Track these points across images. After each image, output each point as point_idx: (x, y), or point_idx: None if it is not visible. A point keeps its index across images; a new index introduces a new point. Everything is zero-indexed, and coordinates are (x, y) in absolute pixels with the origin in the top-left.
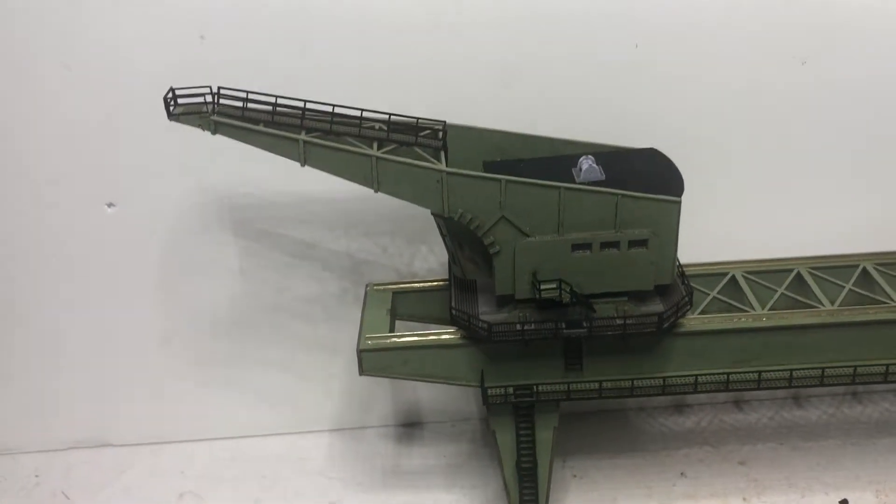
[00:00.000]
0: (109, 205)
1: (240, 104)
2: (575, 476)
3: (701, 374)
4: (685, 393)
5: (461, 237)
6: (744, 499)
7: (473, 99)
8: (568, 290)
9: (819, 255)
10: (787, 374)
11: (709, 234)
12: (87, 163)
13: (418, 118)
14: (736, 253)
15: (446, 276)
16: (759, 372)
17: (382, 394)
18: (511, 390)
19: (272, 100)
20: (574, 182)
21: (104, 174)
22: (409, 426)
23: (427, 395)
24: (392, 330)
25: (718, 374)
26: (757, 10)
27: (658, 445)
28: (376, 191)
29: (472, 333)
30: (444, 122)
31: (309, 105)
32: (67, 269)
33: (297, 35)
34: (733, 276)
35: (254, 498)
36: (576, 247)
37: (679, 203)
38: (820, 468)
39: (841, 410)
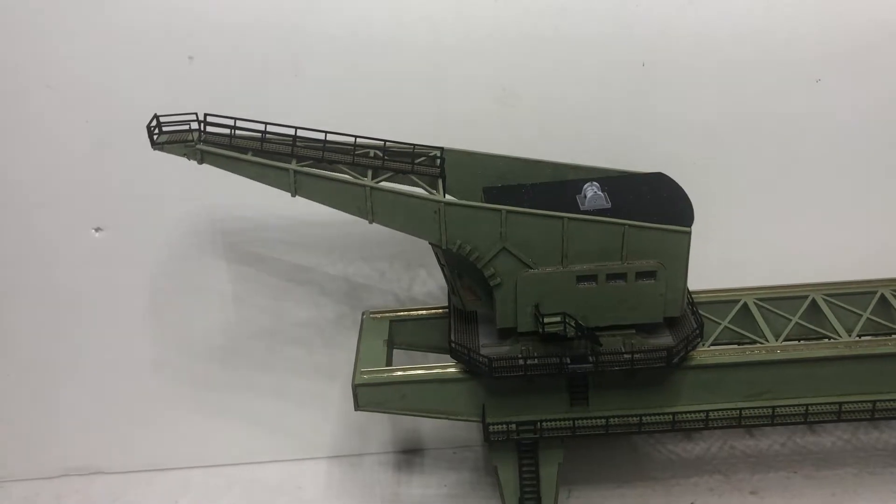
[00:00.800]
0: (97, 229)
1: (227, 132)
2: None
3: (712, 410)
4: (696, 429)
5: (460, 267)
6: None
7: (473, 122)
8: (573, 323)
9: (834, 282)
10: (802, 409)
11: (720, 259)
12: (74, 187)
13: (415, 144)
14: (748, 279)
15: (446, 303)
16: (773, 407)
17: (381, 420)
18: (514, 426)
19: (261, 127)
20: (578, 210)
21: (91, 198)
22: (409, 453)
23: (428, 421)
24: (389, 361)
25: (730, 409)
26: (769, 26)
27: (667, 474)
28: (371, 222)
29: (473, 368)
30: (442, 148)
31: (300, 132)
32: (56, 294)
33: (289, 56)
34: (745, 304)
35: None
36: (581, 278)
37: (689, 233)
38: (835, 499)
39: (857, 437)
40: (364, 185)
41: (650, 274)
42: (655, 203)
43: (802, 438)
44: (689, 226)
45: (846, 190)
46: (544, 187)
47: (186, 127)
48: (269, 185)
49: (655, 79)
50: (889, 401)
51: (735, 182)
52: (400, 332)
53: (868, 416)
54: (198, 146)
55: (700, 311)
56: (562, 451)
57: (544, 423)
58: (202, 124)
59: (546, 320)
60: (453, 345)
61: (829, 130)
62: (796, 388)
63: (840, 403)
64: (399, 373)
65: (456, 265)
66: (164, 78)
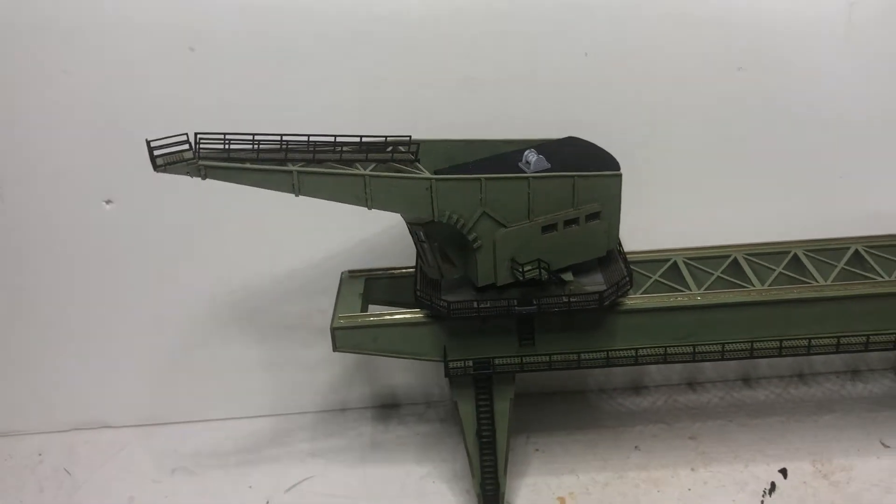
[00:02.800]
0: (108, 201)
1: (220, 146)
2: (537, 450)
3: (641, 348)
4: (626, 365)
5: (440, 240)
6: (692, 469)
7: (430, 109)
8: (546, 267)
9: (754, 243)
10: (719, 348)
11: (655, 225)
12: (87, 163)
13: (387, 136)
14: (679, 242)
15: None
16: (694, 345)
17: (361, 378)
18: (471, 363)
19: (250, 137)
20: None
21: (102, 173)
22: (386, 407)
23: (402, 378)
24: (364, 311)
25: (657, 347)
26: (698, 19)
27: (615, 423)
28: (370, 208)
29: (435, 312)
30: (410, 136)
31: (286, 137)
32: (68, 261)
33: (274, 48)
34: (675, 262)
35: (242, 471)
36: (545, 229)
37: (621, 175)
38: (764, 442)
39: (787, 391)
40: (363, 175)
41: (596, 215)
42: (583, 158)
43: (739, 392)
44: (619, 170)
45: (765, 166)
46: (485, 162)
47: (184, 147)
48: (272, 188)
49: (596, 67)
50: (794, 339)
51: (668, 158)
52: (374, 288)
53: (776, 354)
54: (200, 163)
55: (634, 267)
56: (513, 388)
57: (497, 361)
58: (195, 142)
59: (526, 269)
60: (418, 293)
61: (749, 114)
62: (716, 331)
63: (752, 342)
64: (371, 318)
65: (434, 239)
66: (168, 65)
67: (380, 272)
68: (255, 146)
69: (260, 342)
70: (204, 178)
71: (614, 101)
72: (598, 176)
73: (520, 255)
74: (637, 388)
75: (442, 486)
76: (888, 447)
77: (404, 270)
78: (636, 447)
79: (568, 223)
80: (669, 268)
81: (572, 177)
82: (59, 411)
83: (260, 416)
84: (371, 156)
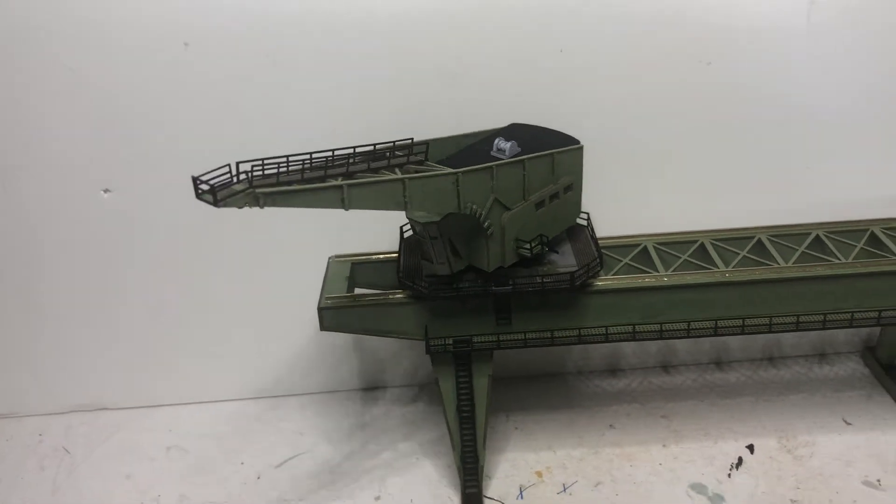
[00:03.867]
0: (106, 190)
1: (259, 172)
2: (516, 428)
3: (610, 325)
4: (597, 342)
5: (449, 234)
6: (663, 445)
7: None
8: (546, 241)
9: (721, 229)
10: (685, 326)
11: (627, 214)
12: (86, 154)
13: (394, 141)
14: (650, 230)
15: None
16: (661, 324)
17: (351, 361)
18: (451, 341)
19: (283, 159)
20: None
21: (100, 163)
22: (375, 390)
23: (389, 362)
24: (350, 293)
25: (626, 325)
26: (668, 17)
27: (591, 403)
28: (407, 211)
29: (416, 293)
30: (412, 138)
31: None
32: (68, 248)
33: (268, 46)
34: (645, 247)
35: (234, 449)
36: (537, 206)
37: (583, 147)
38: (733, 420)
39: (758, 373)
40: (401, 179)
41: (570, 187)
42: (542, 138)
43: (711, 375)
44: (579, 143)
45: (733, 157)
46: (460, 155)
47: (227, 177)
48: (321, 207)
49: (571, 63)
50: (755, 317)
51: (641, 150)
52: (360, 272)
53: (739, 332)
54: (258, 191)
55: (606, 252)
56: (491, 365)
57: (475, 339)
58: (247, 172)
59: (533, 245)
60: (400, 275)
61: (717, 107)
62: (683, 311)
63: (716, 321)
64: (357, 298)
65: (446, 234)
66: (164, 61)
67: (365, 257)
68: (301, 166)
69: (254, 327)
70: (262, 206)
71: (588, 95)
72: (569, 150)
73: (522, 234)
74: (613, 371)
75: (426, 462)
76: (850, 424)
77: (390, 256)
78: (611, 425)
79: (552, 198)
80: (640, 252)
81: (552, 154)
82: (57, 394)
83: (253, 398)
84: (394, 160)
